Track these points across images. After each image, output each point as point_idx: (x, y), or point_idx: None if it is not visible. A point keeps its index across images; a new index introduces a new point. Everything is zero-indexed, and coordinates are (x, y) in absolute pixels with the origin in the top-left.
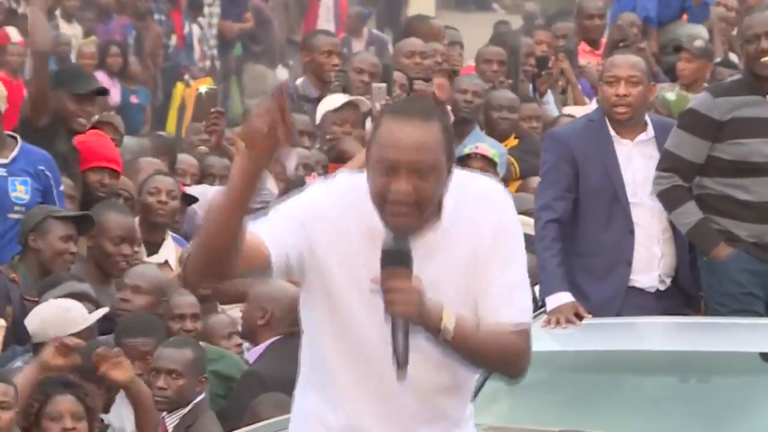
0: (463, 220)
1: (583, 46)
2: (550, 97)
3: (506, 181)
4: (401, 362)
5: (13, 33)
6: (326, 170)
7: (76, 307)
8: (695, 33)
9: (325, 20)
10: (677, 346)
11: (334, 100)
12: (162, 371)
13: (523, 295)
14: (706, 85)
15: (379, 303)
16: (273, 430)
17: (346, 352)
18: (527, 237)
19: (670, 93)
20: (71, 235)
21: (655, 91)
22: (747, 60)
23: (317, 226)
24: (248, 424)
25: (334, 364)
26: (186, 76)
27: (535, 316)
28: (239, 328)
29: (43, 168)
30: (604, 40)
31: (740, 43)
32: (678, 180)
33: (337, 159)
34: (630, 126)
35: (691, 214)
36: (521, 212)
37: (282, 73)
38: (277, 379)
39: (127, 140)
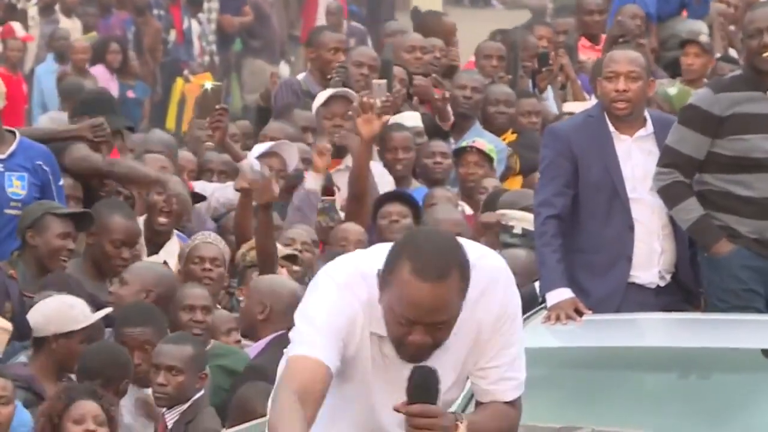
0: (467, 319)
1: (583, 42)
2: (549, 92)
3: (505, 176)
4: None
5: (18, 28)
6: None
7: (79, 304)
8: (695, 29)
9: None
10: (677, 343)
11: (321, 96)
12: (162, 367)
13: (518, 373)
14: (706, 80)
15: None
16: None
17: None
18: (528, 233)
19: (671, 88)
20: (69, 232)
21: (654, 87)
22: (749, 55)
23: (350, 339)
24: (237, 415)
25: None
26: (185, 72)
27: (535, 312)
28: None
29: (40, 163)
30: (604, 36)
31: (742, 38)
32: (679, 176)
33: (335, 155)
34: (629, 121)
35: (692, 210)
36: (524, 208)
37: (283, 69)
38: None
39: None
